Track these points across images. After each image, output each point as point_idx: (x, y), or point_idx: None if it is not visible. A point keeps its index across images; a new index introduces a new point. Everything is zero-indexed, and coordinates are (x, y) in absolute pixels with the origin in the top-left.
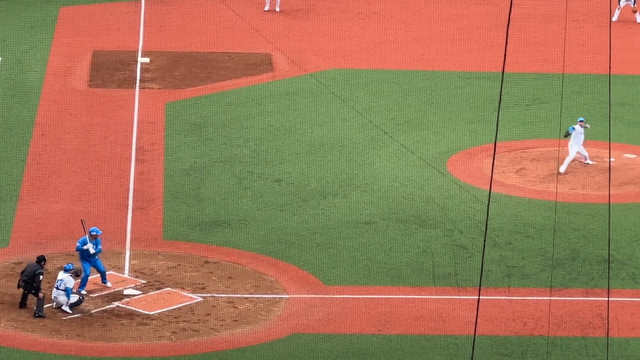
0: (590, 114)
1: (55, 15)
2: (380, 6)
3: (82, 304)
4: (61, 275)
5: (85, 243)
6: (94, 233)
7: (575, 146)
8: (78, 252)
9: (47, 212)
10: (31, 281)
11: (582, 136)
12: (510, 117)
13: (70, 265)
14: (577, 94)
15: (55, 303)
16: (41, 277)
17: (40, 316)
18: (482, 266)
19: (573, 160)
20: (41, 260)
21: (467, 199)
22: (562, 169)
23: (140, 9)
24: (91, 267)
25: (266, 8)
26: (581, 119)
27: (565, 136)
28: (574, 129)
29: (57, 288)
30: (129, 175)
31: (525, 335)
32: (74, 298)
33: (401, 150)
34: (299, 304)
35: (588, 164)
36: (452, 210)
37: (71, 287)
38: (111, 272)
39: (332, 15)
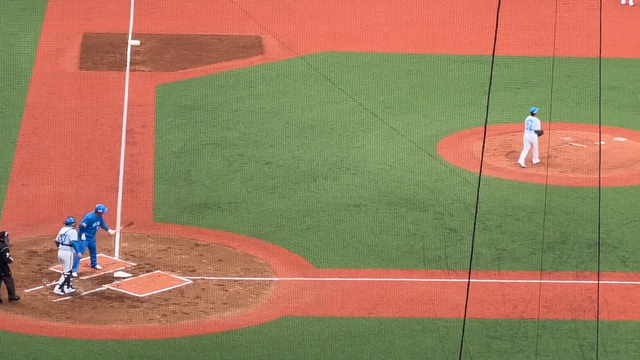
0: (581, 97)
1: None
2: None
3: (72, 284)
4: (64, 229)
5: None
6: (100, 210)
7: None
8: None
9: (37, 195)
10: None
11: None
12: (500, 100)
13: (71, 218)
14: (568, 77)
15: (61, 262)
16: (7, 254)
17: (15, 299)
18: (472, 249)
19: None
20: (0, 236)
21: (457, 182)
22: (534, 160)
23: None
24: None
25: None
26: (534, 109)
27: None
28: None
29: (62, 244)
30: (119, 157)
31: (516, 318)
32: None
33: (391, 133)
34: (289, 286)
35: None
36: (443, 193)
37: (76, 239)
38: (101, 254)
39: None
